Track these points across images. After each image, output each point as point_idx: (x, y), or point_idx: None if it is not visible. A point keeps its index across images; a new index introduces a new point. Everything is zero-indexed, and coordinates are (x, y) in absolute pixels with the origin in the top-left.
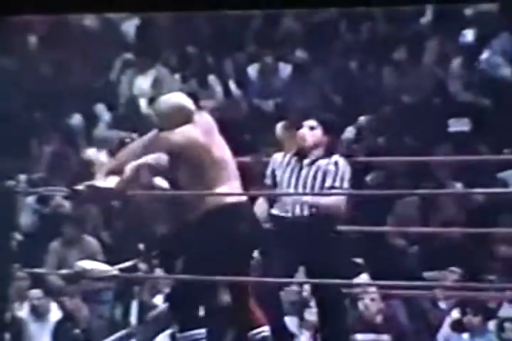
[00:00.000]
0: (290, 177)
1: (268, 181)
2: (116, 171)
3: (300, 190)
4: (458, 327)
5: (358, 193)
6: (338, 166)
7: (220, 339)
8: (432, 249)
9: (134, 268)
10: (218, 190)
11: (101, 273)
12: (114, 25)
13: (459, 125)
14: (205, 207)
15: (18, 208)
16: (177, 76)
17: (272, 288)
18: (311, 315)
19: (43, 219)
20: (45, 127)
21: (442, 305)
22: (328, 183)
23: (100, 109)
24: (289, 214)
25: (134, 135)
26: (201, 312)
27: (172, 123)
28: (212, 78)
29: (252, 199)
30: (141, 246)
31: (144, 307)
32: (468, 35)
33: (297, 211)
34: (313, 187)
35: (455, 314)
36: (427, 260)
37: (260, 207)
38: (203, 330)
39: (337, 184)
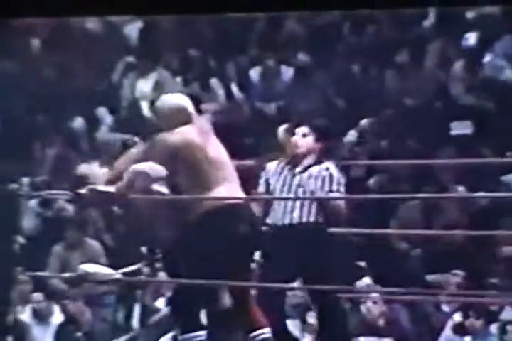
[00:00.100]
0: (283, 185)
1: (261, 189)
2: (115, 180)
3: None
4: (460, 330)
5: (358, 198)
6: (332, 172)
7: None
8: (434, 252)
9: (136, 272)
10: (215, 190)
11: (103, 276)
12: (116, 28)
13: (461, 128)
14: (204, 208)
15: (20, 211)
16: (179, 79)
17: (274, 291)
18: (314, 318)
19: (45, 222)
20: (47, 130)
21: (444, 308)
22: (326, 188)
23: (102, 112)
24: (286, 222)
25: (136, 138)
26: (202, 314)
27: (171, 123)
28: (214, 81)
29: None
30: (144, 249)
31: (147, 311)
32: (471, 38)
33: (294, 218)
34: (305, 194)
35: (457, 317)
36: (429, 263)
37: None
38: (203, 332)
39: (334, 187)
